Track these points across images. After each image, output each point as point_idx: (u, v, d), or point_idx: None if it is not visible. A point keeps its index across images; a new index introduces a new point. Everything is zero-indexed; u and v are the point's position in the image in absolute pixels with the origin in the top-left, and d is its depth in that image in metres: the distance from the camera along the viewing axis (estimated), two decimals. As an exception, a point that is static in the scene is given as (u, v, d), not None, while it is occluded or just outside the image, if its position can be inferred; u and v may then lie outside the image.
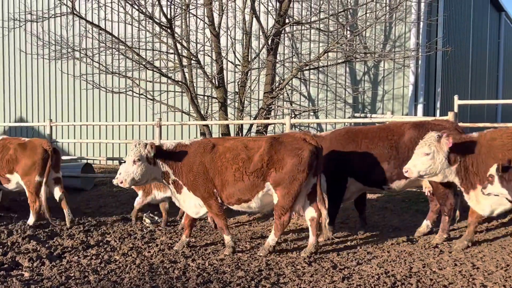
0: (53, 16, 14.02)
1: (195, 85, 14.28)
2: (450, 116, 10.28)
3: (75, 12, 12.85)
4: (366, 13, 14.33)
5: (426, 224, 8.96)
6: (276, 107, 14.60)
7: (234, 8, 15.39)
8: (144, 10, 13.01)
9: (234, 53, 14.95)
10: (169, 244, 8.62)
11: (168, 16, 12.78)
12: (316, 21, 14.35)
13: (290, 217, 7.98)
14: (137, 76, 15.33)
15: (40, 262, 7.66)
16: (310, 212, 8.03)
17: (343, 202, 9.27)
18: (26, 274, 7.17)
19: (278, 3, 13.45)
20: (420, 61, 14.42)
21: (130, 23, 15.12)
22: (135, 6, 13.04)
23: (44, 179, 10.05)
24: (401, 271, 7.07)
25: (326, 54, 13.60)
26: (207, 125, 13.54)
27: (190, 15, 14.50)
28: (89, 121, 17.22)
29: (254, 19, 13.58)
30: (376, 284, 6.59)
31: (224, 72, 14.15)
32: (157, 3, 13.04)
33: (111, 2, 15.22)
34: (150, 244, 8.73)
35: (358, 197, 9.38)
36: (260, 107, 13.97)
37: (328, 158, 8.74)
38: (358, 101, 15.06)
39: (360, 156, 8.73)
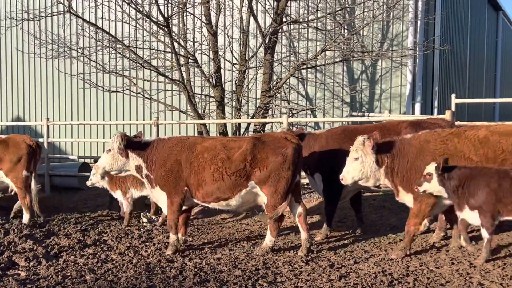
0: (49, 15, 13.98)
1: (192, 84, 14.25)
2: (447, 115, 10.28)
3: (71, 11, 12.82)
4: (363, 11, 14.33)
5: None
6: (274, 106, 14.58)
7: (231, 7, 15.37)
8: (141, 9, 13.00)
9: (232, 52, 14.93)
10: (166, 243, 8.60)
11: (165, 15, 12.75)
12: (314, 20, 14.33)
13: (283, 215, 7.99)
14: (134, 75, 15.31)
15: (36, 261, 7.65)
16: (297, 209, 8.07)
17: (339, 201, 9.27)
18: (23, 274, 7.15)
19: (275, 2, 13.44)
20: (417, 60, 14.41)
21: (127, 22, 15.08)
22: (132, 5, 13.02)
23: (33, 174, 10.19)
24: (398, 270, 7.07)
25: (323, 53, 13.59)
26: (204, 124, 13.52)
27: (187, 13, 14.48)
28: (86, 120, 17.18)
29: (252, 17, 13.56)
30: (373, 283, 6.58)
31: (222, 71, 14.13)
32: (154, 1, 13.00)
33: (108, 1, 15.16)
34: (147, 243, 8.72)
35: (353, 196, 9.37)
36: (257, 106, 13.95)
37: (324, 156, 8.74)
38: (356, 100, 15.05)
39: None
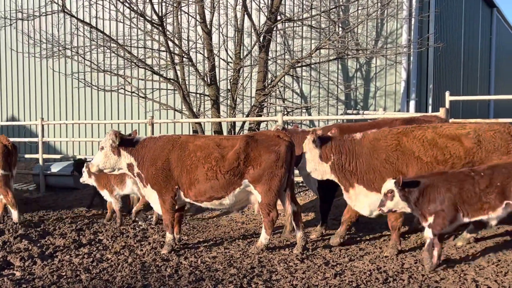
0: (43, 14, 13.96)
1: (187, 82, 14.24)
2: (441, 112, 10.30)
3: (65, 10, 12.80)
4: (357, 9, 14.34)
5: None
6: (269, 104, 14.59)
7: (226, 5, 15.36)
8: (135, 8, 12.96)
9: (226, 50, 14.93)
10: (162, 242, 8.60)
11: (160, 14, 12.74)
12: (308, 18, 14.35)
13: (277, 212, 8.01)
14: (129, 74, 15.28)
15: (31, 261, 7.63)
16: (291, 207, 8.09)
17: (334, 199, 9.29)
18: (18, 274, 7.14)
19: (269, 0, 13.43)
20: (412, 58, 14.44)
21: (121, 21, 15.06)
22: (126, 4, 12.99)
23: (11, 174, 10.24)
24: (393, 267, 7.10)
25: (318, 51, 13.60)
26: (199, 123, 13.52)
27: (182, 12, 14.46)
28: (80, 119, 17.15)
29: (246, 16, 13.56)
30: (368, 280, 6.60)
31: (216, 69, 14.13)
32: (148, 0, 12.99)
33: (102, 0, 15.14)
34: (143, 243, 8.71)
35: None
36: (252, 104, 13.96)
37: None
38: (350, 98, 15.07)
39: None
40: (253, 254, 7.88)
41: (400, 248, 7.75)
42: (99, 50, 15.52)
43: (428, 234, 6.86)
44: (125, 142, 8.28)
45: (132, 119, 16.44)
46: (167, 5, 13.28)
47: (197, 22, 14.04)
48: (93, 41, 14.53)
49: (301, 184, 11.95)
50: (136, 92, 14.59)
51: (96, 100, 17.23)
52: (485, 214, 6.80)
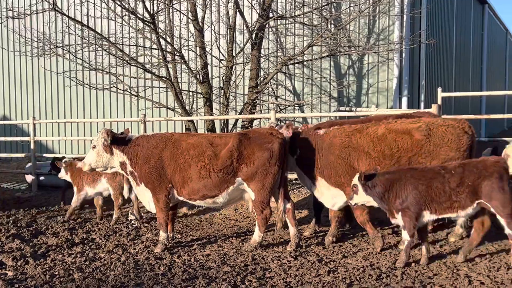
0: (34, 12, 13.84)
1: (179, 80, 14.20)
2: (433, 109, 10.32)
3: (56, 9, 12.72)
4: (349, 6, 14.35)
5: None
6: (261, 101, 14.57)
7: (218, 3, 15.31)
8: (126, 6, 12.90)
9: (218, 48, 14.90)
10: (155, 241, 8.58)
11: (151, 12, 12.68)
12: (300, 15, 14.33)
13: (271, 210, 8.00)
14: (121, 72, 15.22)
15: (24, 261, 7.59)
16: (284, 204, 8.09)
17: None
18: (10, 273, 7.10)
19: (261, -3, 13.41)
20: (404, 54, 14.46)
21: (113, 19, 14.99)
22: (118, 2, 12.93)
23: None
24: (386, 264, 7.11)
25: (310, 48, 13.59)
26: (192, 121, 13.49)
27: (173, 10, 14.40)
28: (72, 118, 17.08)
29: (238, 13, 13.53)
30: (362, 277, 6.61)
31: (209, 67, 14.09)
32: (139, -2, 12.94)
33: (93, -2, 15.09)
34: (136, 241, 8.69)
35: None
36: (245, 102, 13.94)
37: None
38: (343, 95, 15.08)
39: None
40: (246, 251, 7.88)
41: (380, 235, 7.82)
42: (91, 48, 15.45)
43: (405, 236, 6.94)
44: (117, 141, 8.25)
45: (124, 117, 16.38)
46: (159, 2, 13.22)
47: (189, 19, 13.99)
48: (85, 39, 14.46)
49: (294, 181, 11.95)
50: (128, 90, 14.53)
51: (88, 99, 17.16)
52: (455, 212, 6.85)
